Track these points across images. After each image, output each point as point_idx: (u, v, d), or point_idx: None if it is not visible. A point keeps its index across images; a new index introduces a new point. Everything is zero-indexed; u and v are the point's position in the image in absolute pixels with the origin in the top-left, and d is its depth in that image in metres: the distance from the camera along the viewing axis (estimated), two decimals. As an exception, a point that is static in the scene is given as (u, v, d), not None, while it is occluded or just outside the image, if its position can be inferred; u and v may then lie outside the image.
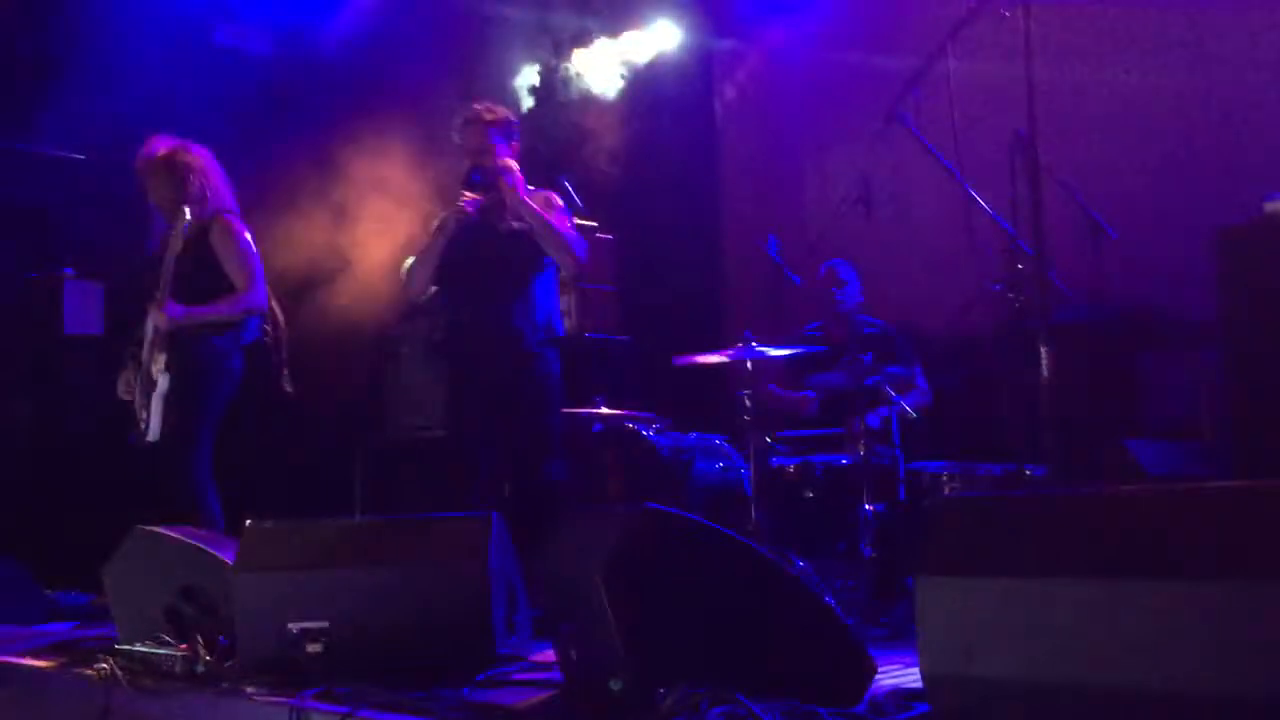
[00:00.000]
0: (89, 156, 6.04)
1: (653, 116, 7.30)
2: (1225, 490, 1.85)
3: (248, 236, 4.47)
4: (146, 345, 4.35)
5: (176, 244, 4.33)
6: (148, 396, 4.30)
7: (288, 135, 6.32)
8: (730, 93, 7.61)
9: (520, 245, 4.35)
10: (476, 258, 4.36)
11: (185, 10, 6.35)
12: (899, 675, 2.76)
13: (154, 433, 4.28)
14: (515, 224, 4.35)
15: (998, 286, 4.24)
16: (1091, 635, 1.84)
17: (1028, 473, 3.99)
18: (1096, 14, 5.67)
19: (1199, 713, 1.71)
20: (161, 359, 4.30)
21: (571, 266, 4.44)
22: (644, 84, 7.07)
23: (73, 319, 5.94)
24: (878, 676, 2.42)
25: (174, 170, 4.46)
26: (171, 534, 3.59)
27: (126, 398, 4.44)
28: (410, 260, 4.53)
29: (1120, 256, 5.05)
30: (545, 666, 2.87)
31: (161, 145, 4.55)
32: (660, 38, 6.91)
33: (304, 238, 6.51)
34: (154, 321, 4.31)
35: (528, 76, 6.99)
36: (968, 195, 4.45)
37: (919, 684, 2.09)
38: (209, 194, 4.48)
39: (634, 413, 5.15)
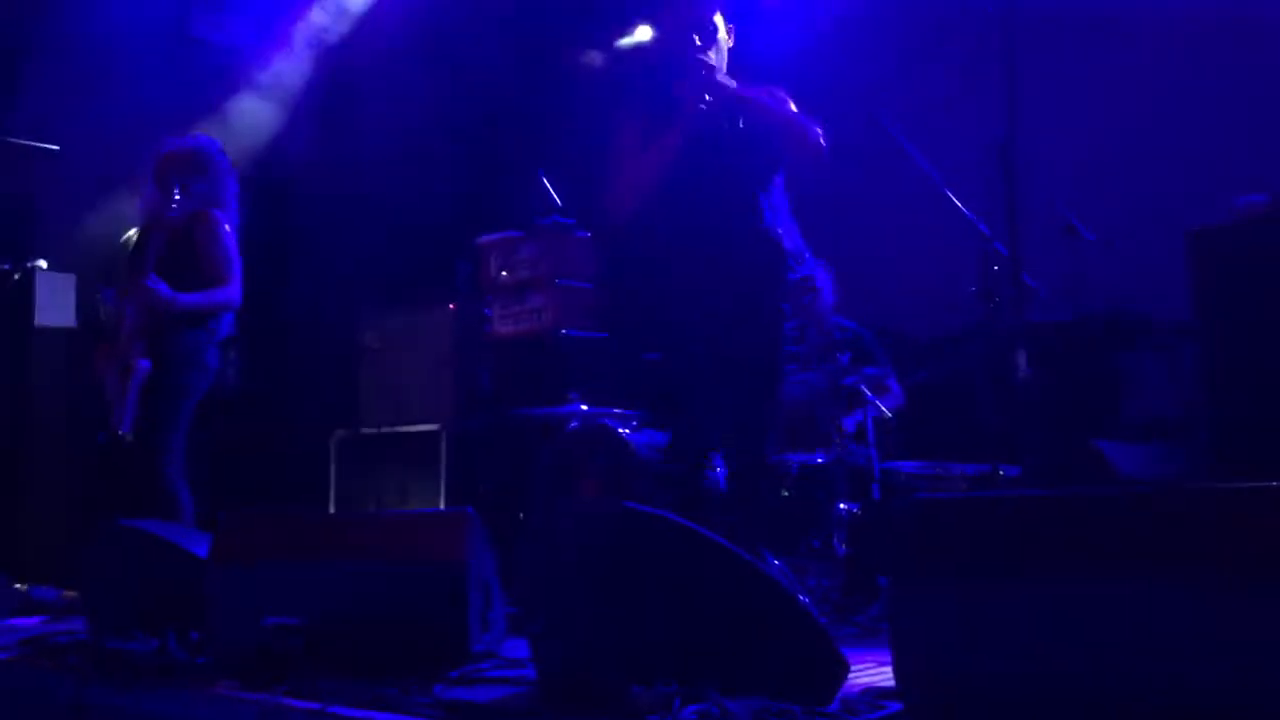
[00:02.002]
0: (63, 147, 5.99)
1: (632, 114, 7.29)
2: (1198, 491, 1.86)
3: (229, 231, 4.49)
4: (124, 336, 4.33)
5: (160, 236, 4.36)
6: (122, 389, 4.28)
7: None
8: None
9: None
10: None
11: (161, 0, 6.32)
12: (872, 674, 2.77)
13: (128, 425, 4.26)
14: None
15: (973, 288, 4.26)
16: (1063, 635, 1.85)
17: (1001, 473, 4.02)
18: (1077, 15, 5.71)
19: (1171, 712, 1.73)
20: (139, 349, 4.29)
21: None
22: (621, 82, 7.07)
23: (44, 311, 5.90)
24: (851, 675, 2.42)
25: (203, 168, 4.50)
26: (144, 528, 3.57)
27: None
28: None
29: (1095, 257, 5.08)
30: (519, 664, 2.86)
31: (162, 141, 4.60)
32: (639, 38, 6.92)
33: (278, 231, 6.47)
34: (142, 300, 4.29)
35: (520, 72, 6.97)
36: (944, 196, 4.47)
37: (892, 683, 2.10)
38: (210, 192, 4.51)
39: (611, 410, 5.15)
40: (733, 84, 3.69)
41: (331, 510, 6.31)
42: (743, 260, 3.62)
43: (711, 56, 3.74)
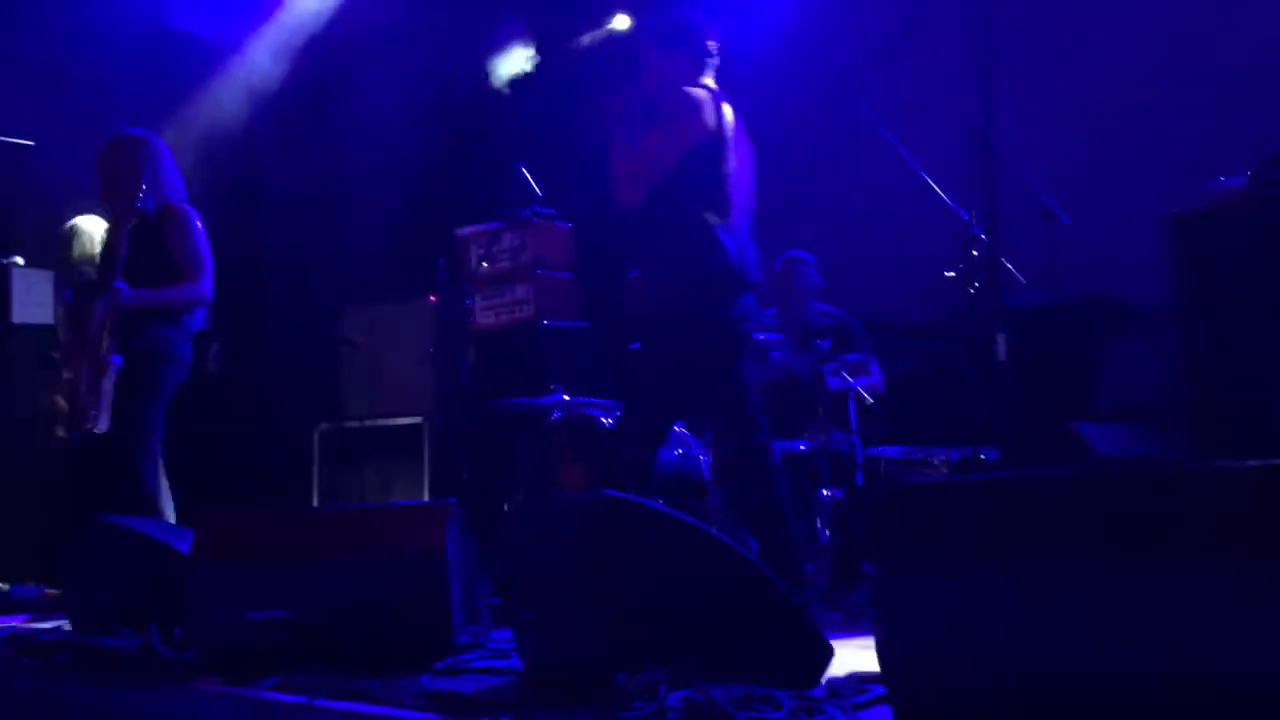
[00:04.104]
0: (38, 143, 5.95)
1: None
2: (1177, 470, 1.87)
3: (200, 226, 4.47)
4: (95, 332, 4.31)
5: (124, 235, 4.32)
6: (94, 386, 4.26)
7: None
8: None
9: None
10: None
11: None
12: (856, 658, 2.79)
13: (103, 424, 4.23)
14: None
15: (953, 273, 4.27)
16: (1047, 617, 1.86)
17: (982, 457, 4.04)
18: (1056, 3, 5.72)
19: (1154, 693, 1.74)
20: (111, 345, 4.26)
21: None
22: (601, 72, 7.06)
23: (20, 307, 5.86)
24: (835, 660, 2.43)
25: (136, 161, 4.44)
26: (126, 524, 3.56)
27: (57, 399, 4.40)
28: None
29: (1074, 241, 5.11)
30: (504, 654, 2.87)
31: (124, 134, 4.53)
32: (616, 26, 6.91)
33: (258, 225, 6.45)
34: (106, 304, 4.28)
35: (500, 62, 6.96)
36: (923, 181, 4.48)
37: (875, 667, 2.11)
38: (165, 185, 4.47)
39: (592, 399, 5.15)
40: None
41: (315, 503, 6.30)
42: (690, 270, 3.73)
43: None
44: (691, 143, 3.73)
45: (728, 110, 3.83)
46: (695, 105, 3.75)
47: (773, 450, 3.77)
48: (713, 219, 3.72)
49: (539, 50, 7.21)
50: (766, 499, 3.65)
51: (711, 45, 3.89)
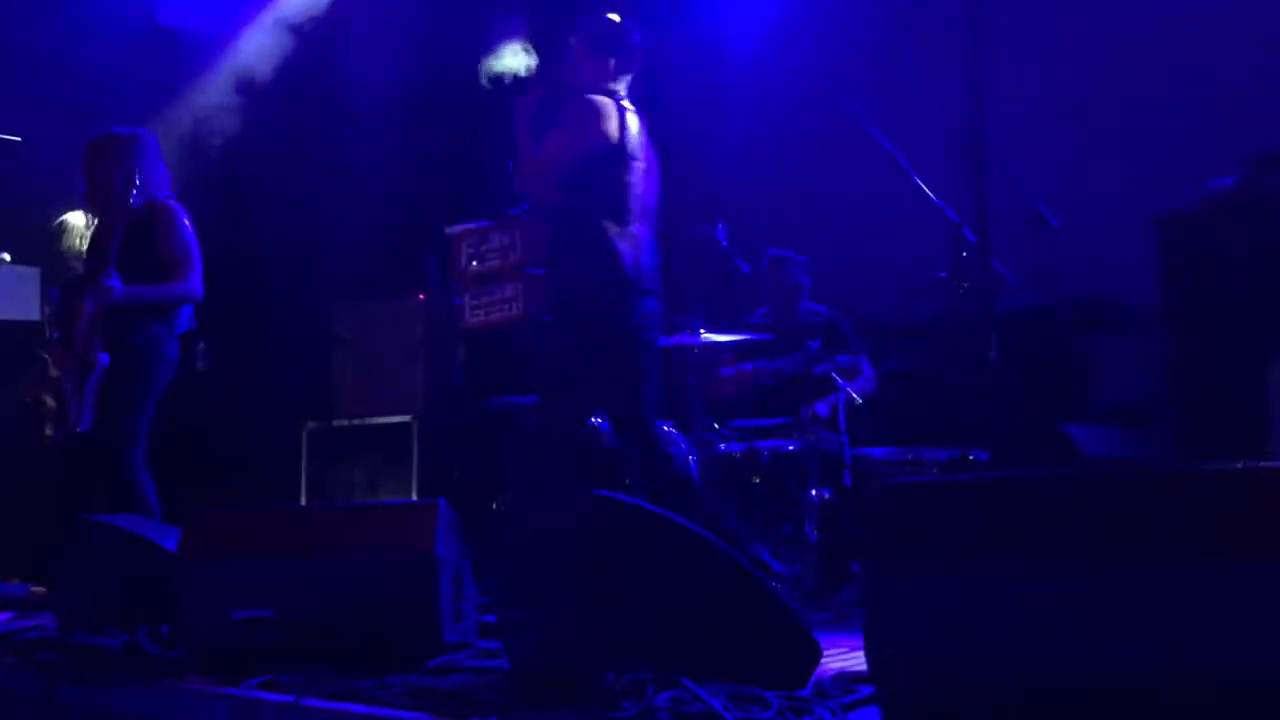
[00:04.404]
0: (25, 139, 5.93)
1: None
2: (1165, 472, 1.88)
3: (188, 224, 4.45)
4: (82, 331, 4.29)
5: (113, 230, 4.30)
6: (80, 384, 4.24)
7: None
8: (678, 78, 7.60)
9: None
10: None
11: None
12: (844, 658, 2.79)
13: (87, 422, 4.21)
14: None
15: (943, 273, 4.28)
16: (1036, 618, 1.86)
17: (971, 458, 4.04)
18: (1046, 4, 5.73)
19: (1144, 694, 1.74)
20: (99, 343, 4.25)
21: None
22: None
23: (7, 304, 5.84)
24: (823, 660, 2.44)
25: (126, 158, 4.43)
26: (113, 523, 3.55)
27: (45, 397, 4.38)
28: None
29: (1063, 243, 5.12)
30: (493, 653, 2.86)
31: (112, 131, 4.52)
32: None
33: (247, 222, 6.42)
34: (95, 298, 4.26)
35: (491, 61, 6.94)
36: (913, 182, 4.48)
37: (864, 667, 2.11)
38: (153, 182, 4.46)
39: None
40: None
41: (303, 502, 6.29)
42: (584, 278, 3.86)
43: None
44: (589, 150, 3.82)
45: (633, 120, 3.93)
46: (596, 113, 3.85)
47: (672, 450, 3.96)
48: (611, 227, 3.81)
49: (531, 49, 7.19)
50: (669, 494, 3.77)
51: (636, 54, 4.03)
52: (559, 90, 3.98)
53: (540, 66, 4.04)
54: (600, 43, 3.98)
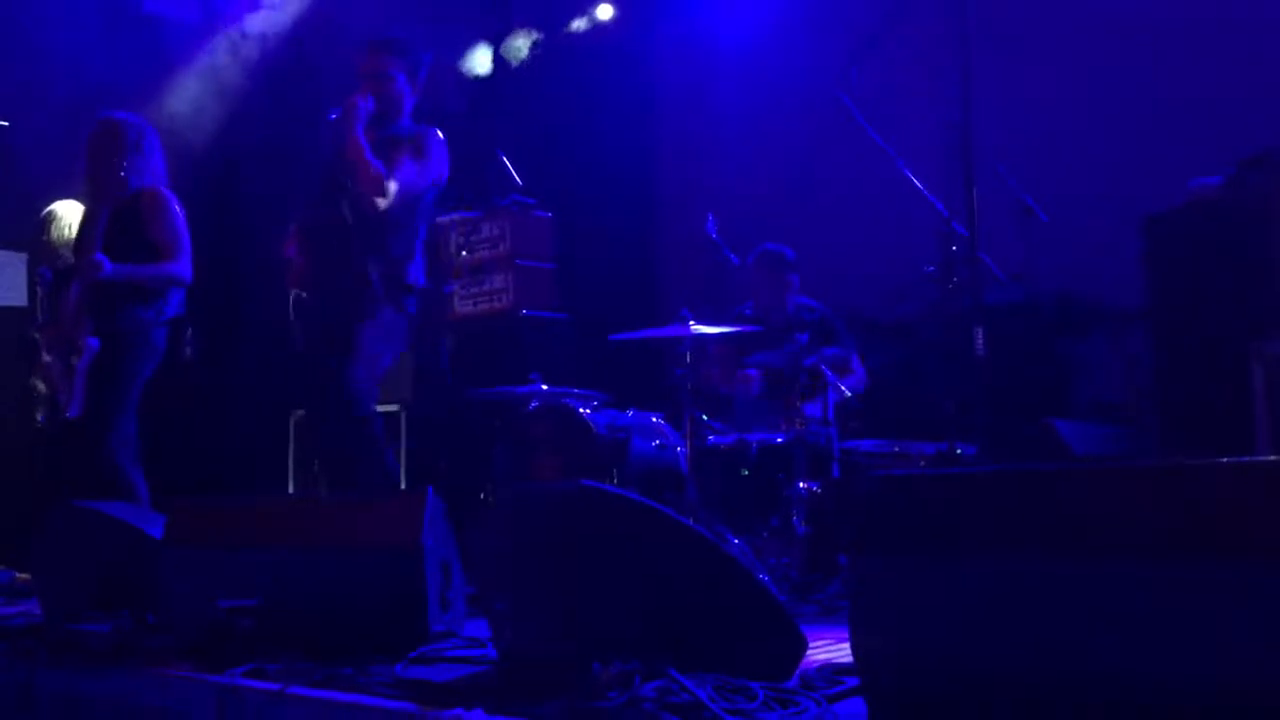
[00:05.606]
0: (12, 123, 5.90)
1: (592, 94, 7.28)
2: (1153, 469, 1.88)
3: (179, 210, 4.45)
4: (70, 316, 4.28)
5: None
6: (69, 368, 4.22)
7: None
8: (669, 71, 7.60)
9: None
10: None
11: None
12: (830, 650, 2.80)
13: (75, 408, 4.20)
14: None
15: (931, 268, 4.28)
16: (1020, 612, 1.87)
17: (959, 451, 4.05)
18: (1034, 4, 5.74)
19: (1130, 691, 1.75)
20: (87, 327, 4.24)
21: None
22: (583, 62, 7.05)
23: (-6, 290, 5.81)
24: (809, 651, 2.44)
25: (125, 144, 4.43)
26: (98, 508, 3.53)
27: (36, 382, 4.37)
28: None
29: (1051, 239, 5.13)
30: (479, 644, 2.86)
31: (112, 117, 4.54)
32: (599, 15, 6.89)
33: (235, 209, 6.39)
34: (82, 282, 4.25)
35: (473, 52, 6.92)
36: (903, 177, 4.49)
37: (850, 659, 2.11)
38: (149, 169, 4.47)
39: (571, 390, 5.15)
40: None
41: (290, 491, 6.27)
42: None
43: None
44: (434, 181, 4.24)
45: None
46: (444, 150, 4.27)
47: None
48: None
49: (523, 39, 7.18)
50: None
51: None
52: (398, 110, 4.29)
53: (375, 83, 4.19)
54: (415, 70, 4.35)
